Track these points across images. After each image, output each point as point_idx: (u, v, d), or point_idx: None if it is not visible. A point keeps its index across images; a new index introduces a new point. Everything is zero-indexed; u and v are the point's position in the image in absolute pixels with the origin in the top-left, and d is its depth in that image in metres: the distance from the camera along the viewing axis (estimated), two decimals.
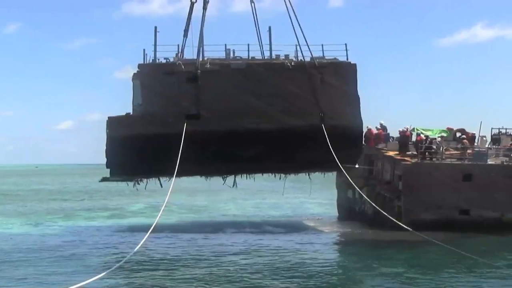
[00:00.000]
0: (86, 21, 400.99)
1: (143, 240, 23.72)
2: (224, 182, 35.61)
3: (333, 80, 32.14)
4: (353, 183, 33.09)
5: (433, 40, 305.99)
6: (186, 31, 31.81)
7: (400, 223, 29.63)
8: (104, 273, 21.14)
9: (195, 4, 31.64)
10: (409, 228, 28.96)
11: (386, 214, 30.46)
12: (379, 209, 30.06)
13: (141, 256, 27.57)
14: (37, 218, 47.58)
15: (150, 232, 24.49)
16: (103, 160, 32.76)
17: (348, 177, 32.12)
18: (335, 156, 30.45)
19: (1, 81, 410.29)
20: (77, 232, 38.23)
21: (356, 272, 25.86)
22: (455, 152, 38.93)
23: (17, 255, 28.97)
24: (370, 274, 24.90)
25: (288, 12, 31.53)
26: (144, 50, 32.21)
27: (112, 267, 22.46)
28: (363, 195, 34.23)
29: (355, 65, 32.65)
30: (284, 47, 32.92)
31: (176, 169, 28.41)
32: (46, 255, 28.91)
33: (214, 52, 32.42)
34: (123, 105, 39.64)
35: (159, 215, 26.45)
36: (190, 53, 31.78)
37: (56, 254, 29.28)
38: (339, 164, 30.77)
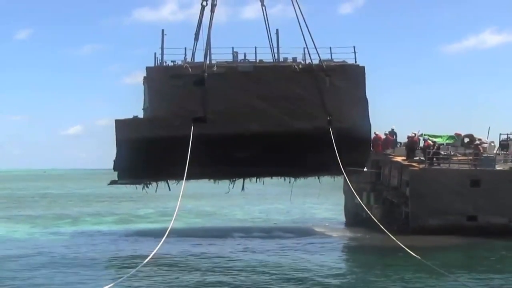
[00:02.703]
0: (97, 27, 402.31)
1: (156, 249, 23.07)
2: (233, 186, 35.51)
3: (341, 82, 31.91)
4: (352, 189, 32.58)
5: (442, 46, 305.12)
6: (196, 35, 32.02)
7: (399, 243, 25.69)
8: (114, 283, 20.62)
9: (205, 8, 31.70)
10: (416, 256, 24.06)
11: (382, 226, 28.71)
12: (374, 219, 29.33)
13: (151, 262, 27.25)
14: (44, 222, 47.51)
15: (160, 238, 24.12)
16: (111, 165, 32.70)
17: (348, 182, 31.78)
18: (339, 160, 30.26)
19: (11, 86, 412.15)
20: (86, 237, 37.98)
21: (363, 277, 25.74)
22: (463, 158, 38.71)
23: (24, 261, 28.54)
24: (377, 280, 24.76)
25: (296, 15, 31.45)
26: (155, 53, 32.31)
27: (124, 276, 21.90)
28: (361, 202, 33.66)
29: (363, 67, 32.43)
30: (292, 50, 32.84)
31: (186, 172, 28.27)
32: (54, 262, 28.40)
33: (222, 55, 32.46)
34: (132, 110, 39.62)
35: (172, 221, 26.07)
36: (201, 57, 31.83)
37: (65, 260, 28.90)
38: (341, 167, 30.50)
